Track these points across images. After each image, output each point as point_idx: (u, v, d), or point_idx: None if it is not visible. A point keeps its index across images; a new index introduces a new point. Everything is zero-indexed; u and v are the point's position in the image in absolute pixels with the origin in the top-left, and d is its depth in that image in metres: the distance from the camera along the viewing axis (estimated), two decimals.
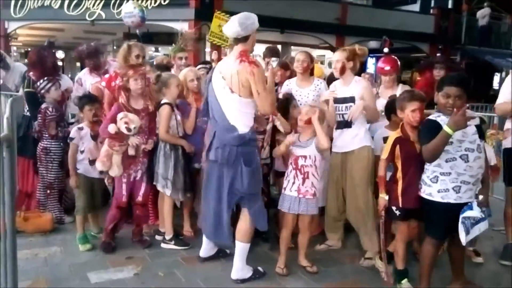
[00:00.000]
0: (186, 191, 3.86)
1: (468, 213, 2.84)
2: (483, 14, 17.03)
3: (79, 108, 3.91)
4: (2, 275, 2.21)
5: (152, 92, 3.82)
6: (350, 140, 3.70)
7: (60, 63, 32.78)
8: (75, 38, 19.40)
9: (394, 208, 3.15)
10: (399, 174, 3.14)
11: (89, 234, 3.94)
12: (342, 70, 3.70)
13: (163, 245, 3.83)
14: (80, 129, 3.77)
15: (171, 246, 3.80)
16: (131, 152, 3.61)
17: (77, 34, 17.74)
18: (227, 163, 3.12)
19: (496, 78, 18.81)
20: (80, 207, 3.79)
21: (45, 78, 4.17)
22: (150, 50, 19.44)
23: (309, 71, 4.36)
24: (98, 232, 3.98)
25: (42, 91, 4.16)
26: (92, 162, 3.73)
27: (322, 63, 20.78)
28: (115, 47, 20.09)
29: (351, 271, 3.58)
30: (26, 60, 10.49)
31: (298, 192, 3.38)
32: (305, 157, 3.39)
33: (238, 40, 3.13)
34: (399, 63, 4.59)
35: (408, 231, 3.21)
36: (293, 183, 3.40)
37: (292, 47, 17.66)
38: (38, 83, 4.20)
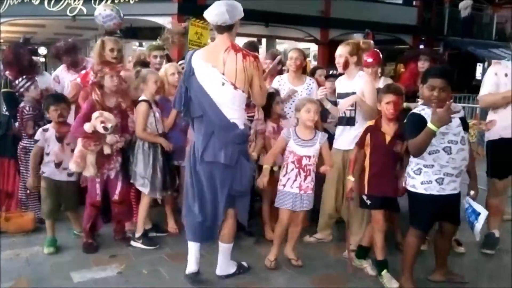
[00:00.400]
0: (166, 189, 3.82)
1: (477, 228, 3.03)
2: (465, 6, 17.17)
3: (44, 108, 3.77)
4: None
5: (126, 90, 3.77)
6: (353, 138, 3.60)
7: (42, 59, 32.53)
8: (57, 34, 19.11)
9: (365, 197, 3.25)
10: (367, 162, 3.25)
11: (71, 232, 3.95)
12: (345, 65, 3.67)
13: (132, 243, 3.77)
14: (45, 130, 3.66)
15: (139, 245, 3.74)
16: (107, 151, 3.55)
17: (59, 30, 17.50)
18: (230, 163, 2.95)
19: (479, 69, 19.00)
20: (46, 210, 3.71)
21: (24, 76, 4.10)
22: (134, 45, 19.31)
23: (302, 69, 4.37)
24: (80, 231, 3.92)
25: (21, 89, 4.10)
26: (57, 164, 3.65)
27: (307, 55, 20.87)
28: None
29: (335, 263, 3.60)
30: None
31: (300, 188, 3.35)
32: (309, 157, 3.34)
33: (223, 29, 2.92)
34: (381, 55, 4.61)
35: (384, 221, 3.23)
36: (295, 180, 3.35)
37: (277, 40, 17.65)
38: (17, 82, 4.13)
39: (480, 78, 18.61)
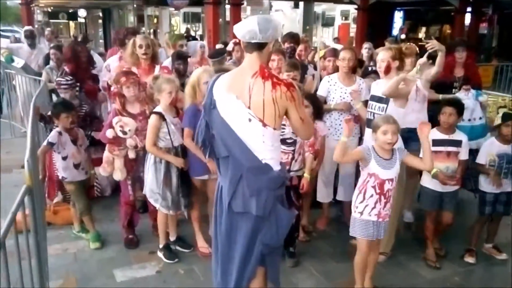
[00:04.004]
0: (179, 208, 3.69)
1: None
2: None
3: (54, 115, 3.80)
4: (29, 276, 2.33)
5: (147, 97, 3.76)
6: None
7: (83, 20, 32.88)
8: None
9: None
10: None
11: (72, 232, 4.14)
12: (387, 70, 3.61)
13: (158, 253, 3.77)
14: (60, 134, 3.74)
15: (161, 256, 3.74)
16: (131, 155, 3.69)
17: None
18: (264, 214, 2.44)
19: None
20: (83, 208, 3.90)
21: (67, 79, 4.26)
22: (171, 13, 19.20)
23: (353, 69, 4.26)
24: (78, 231, 4.12)
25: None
26: (76, 166, 3.82)
27: (346, 18, 20.22)
28: (135, 5, 20.03)
29: None
30: (47, 32, 10.62)
31: (378, 216, 3.06)
32: (391, 180, 3.03)
33: (251, 47, 2.41)
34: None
35: None
36: (373, 208, 3.05)
37: (314, 3, 17.19)
38: (59, 79, 4.31)
39: None
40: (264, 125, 2.38)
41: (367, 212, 3.06)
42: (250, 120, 2.39)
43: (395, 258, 3.83)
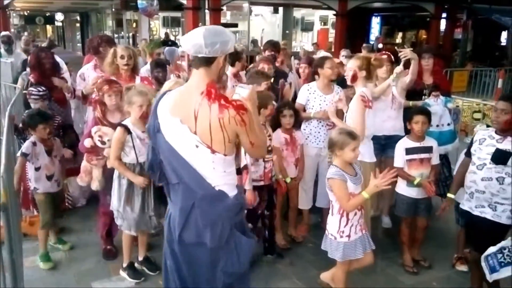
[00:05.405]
0: (145, 227, 3.52)
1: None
2: None
3: (30, 126, 3.70)
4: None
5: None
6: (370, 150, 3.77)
7: (60, 24, 32.32)
8: (74, 3, 19.16)
9: None
10: None
11: (48, 244, 3.97)
12: (354, 79, 3.63)
13: (120, 272, 3.63)
14: (34, 144, 3.62)
15: (125, 275, 3.60)
16: (108, 165, 3.55)
17: None
18: (220, 244, 2.26)
19: (504, 34, 18.36)
20: (47, 220, 3.76)
21: (39, 90, 4.18)
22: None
23: None
24: (55, 242, 4.03)
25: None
26: (49, 177, 3.70)
27: (325, 23, 20.40)
28: (113, 9, 19.84)
29: None
30: (25, 37, 10.45)
31: (361, 229, 3.08)
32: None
33: (198, 62, 2.18)
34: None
35: None
36: (357, 224, 3.04)
37: (294, 8, 17.34)
38: (31, 89, 4.23)
39: (504, 44, 18.03)
40: (213, 151, 2.17)
41: (353, 232, 3.02)
42: (197, 146, 2.17)
43: (374, 264, 3.84)
